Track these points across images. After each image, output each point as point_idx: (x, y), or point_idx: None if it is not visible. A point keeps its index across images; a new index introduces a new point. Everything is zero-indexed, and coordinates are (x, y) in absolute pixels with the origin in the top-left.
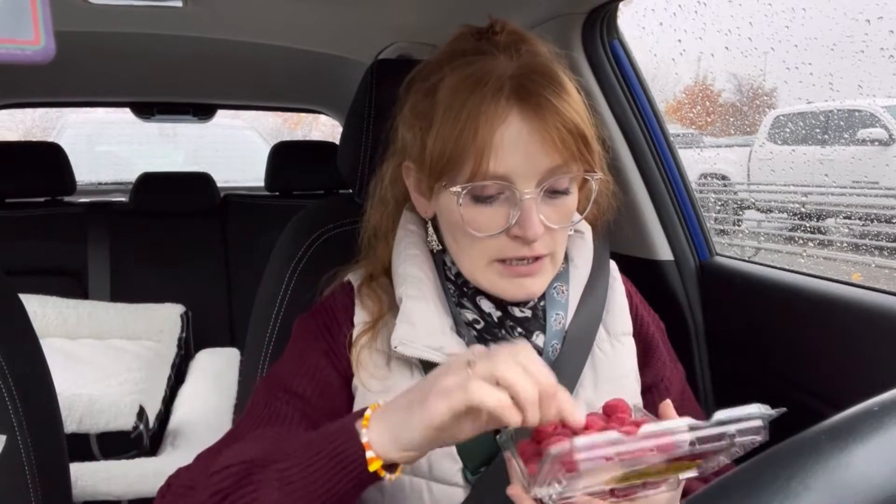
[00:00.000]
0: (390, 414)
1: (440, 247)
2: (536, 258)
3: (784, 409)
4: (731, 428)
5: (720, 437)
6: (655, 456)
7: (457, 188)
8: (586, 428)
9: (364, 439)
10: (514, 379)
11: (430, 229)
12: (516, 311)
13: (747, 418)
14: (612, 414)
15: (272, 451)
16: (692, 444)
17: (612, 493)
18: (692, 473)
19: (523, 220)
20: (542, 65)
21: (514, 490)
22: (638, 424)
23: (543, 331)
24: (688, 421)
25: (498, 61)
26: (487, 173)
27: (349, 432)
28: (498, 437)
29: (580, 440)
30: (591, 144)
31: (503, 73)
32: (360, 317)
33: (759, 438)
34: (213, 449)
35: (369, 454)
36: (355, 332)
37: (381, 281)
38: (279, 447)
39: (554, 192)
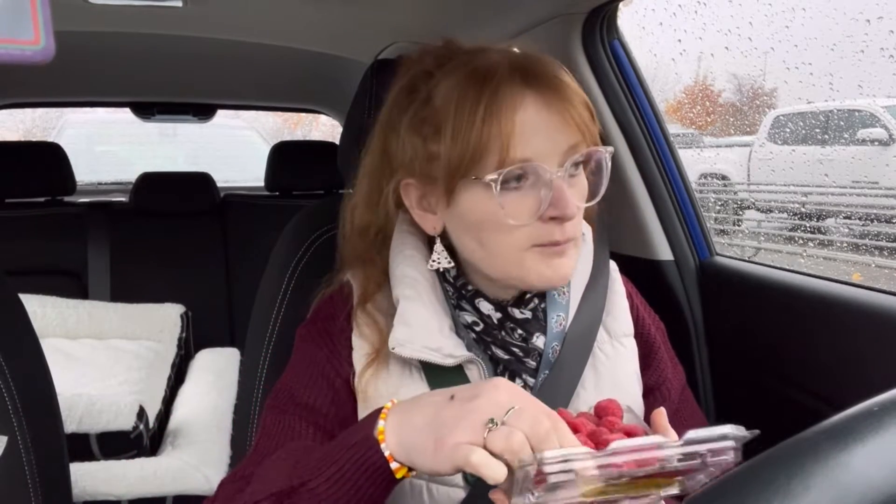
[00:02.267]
0: (407, 434)
1: (450, 263)
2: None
3: (757, 432)
4: (702, 448)
5: (692, 455)
6: (633, 470)
7: (492, 175)
8: (575, 431)
9: (386, 452)
10: (519, 452)
11: (438, 246)
12: (516, 313)
13: (719, 439)
14: (603, 416)
15: (295, 473)
16: (662, 461)
17: None
18: (674, 490)
19: (557, 199)
20: (535, 52)
21: (495, 495)
22: (626, 430)
23: (544, 332)
24: (658, 439)
25: (495, 55)
26: (515, 159)
27: (371, 444)
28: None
29: (548, 454)
30: (596, 121)
31: (505, 64)
32: (361, 349)
33: (731, 459)
34: (235, 478)
35: (394, 465)
36: (356, 361)
37: (377, 299)
38: (302, 466)
39: (572, 172)
